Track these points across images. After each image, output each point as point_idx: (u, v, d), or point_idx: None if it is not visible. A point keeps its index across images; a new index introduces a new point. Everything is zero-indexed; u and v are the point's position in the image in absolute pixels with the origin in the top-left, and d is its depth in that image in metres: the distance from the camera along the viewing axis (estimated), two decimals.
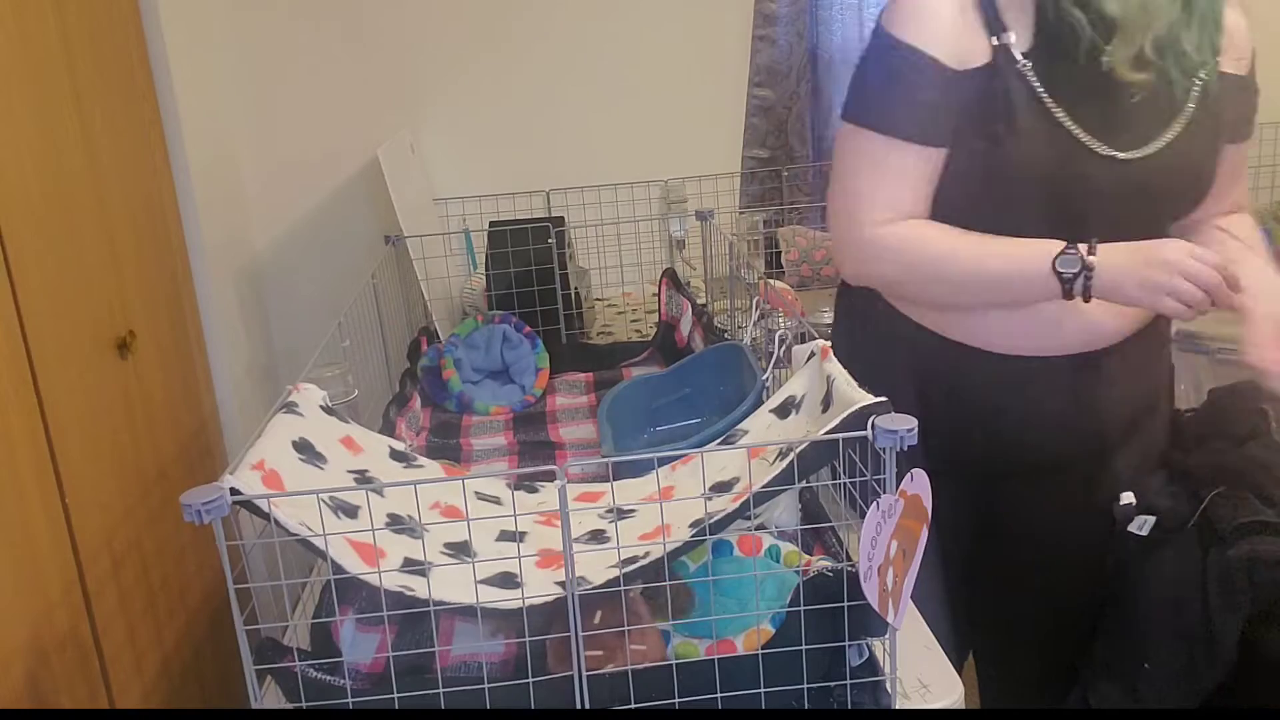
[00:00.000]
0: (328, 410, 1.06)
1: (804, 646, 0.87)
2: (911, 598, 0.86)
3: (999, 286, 1.14)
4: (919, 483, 0.82)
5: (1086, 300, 1.09)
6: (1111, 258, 1.07)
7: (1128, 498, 1.24)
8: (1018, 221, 1.13)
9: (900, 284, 1.22)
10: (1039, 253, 1.10)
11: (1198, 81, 1.14)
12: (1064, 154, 1.11)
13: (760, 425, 1.11)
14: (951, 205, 1.15)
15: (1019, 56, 1.11)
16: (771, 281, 1.84)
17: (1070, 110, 1.11)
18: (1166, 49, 1.09)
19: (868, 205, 1.16)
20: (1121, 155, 1.12)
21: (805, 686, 0.88)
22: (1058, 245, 1.09)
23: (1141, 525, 1.21)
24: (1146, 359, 1.26)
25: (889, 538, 0.82)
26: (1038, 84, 1.10)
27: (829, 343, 1.03)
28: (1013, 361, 1.20)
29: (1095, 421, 1.23)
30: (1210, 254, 1.05)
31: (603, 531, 1.07)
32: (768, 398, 1.17)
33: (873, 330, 1.30)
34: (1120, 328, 1.19)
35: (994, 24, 1.11)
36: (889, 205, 1.15)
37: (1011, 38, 1.11)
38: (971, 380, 1.22)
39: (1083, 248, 1.08)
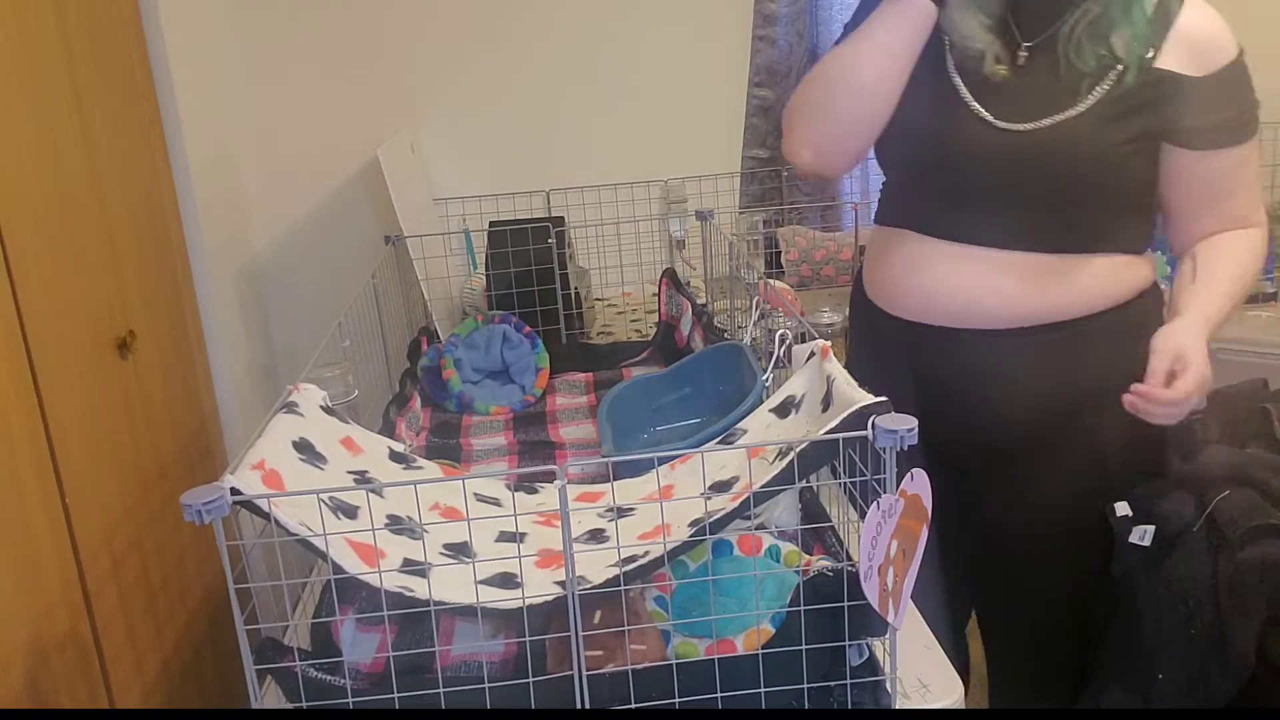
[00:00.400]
0: (328, 410, 1.06)
1: (804, 646, 0.87)
2: (911, 597, 0.86)
3: (869, 41, 1.19)
4: (919, 483, 0.82)
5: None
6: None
7: (1123, 509, 1.23)
8: (902, 160, 1.27)
9: (812, 104, 1.25)
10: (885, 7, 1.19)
11: (1112, 72, 1.15)
12: (944, 110, 1.20)
13: (760, 425, 1.11)
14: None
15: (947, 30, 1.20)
16: (771, 281, 1.84)
17: (963, 73, 1.20)
18: (1068, 35, 1.15)
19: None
20: (999, 124, 1.18)
21: (805, 686, 0.88)
22: None
23: (1143, 536, 1.21)
24: (1080, 348, 1.23)
25: (889, 538, 0.82)
26: (948, 53, 1.21)
27: (829, 343, 1.03)
28: (934, 332, 1.25)
29: (1021, 403, 1.24)
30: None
31: (602, 531, 1.07)
32: (768, 398, 1.17)
33: (862, 327, 1.39)
34: (1031, 306, 1.21)
35: None
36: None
37: (957, 27, 1.19)
38: (916, 355, 1.29)
39: None
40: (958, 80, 1.21)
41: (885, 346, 1.33)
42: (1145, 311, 1.25)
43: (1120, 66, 1.15)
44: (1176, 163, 1.19)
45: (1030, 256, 1.20)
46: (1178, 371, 1.11)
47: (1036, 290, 1.20)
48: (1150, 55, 1.14)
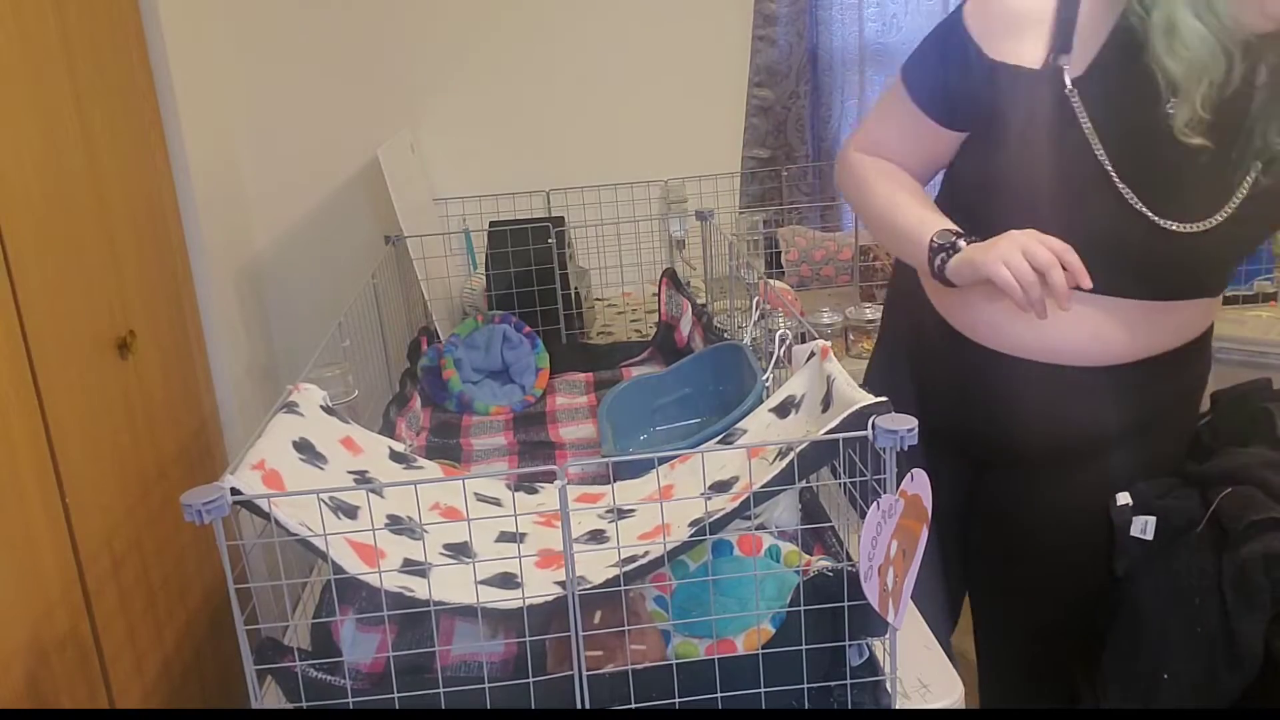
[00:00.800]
0: (328, 410, 1.06)
1: (804, 646, 0.87)
2: (911, 597, 0.86)
3: (894, 237, 1.20)
4: (919, 483, 0.82)
5: (941, 279, 1.13)
6: (975, 251, 1.09)
7: (1124, 498, 1.22)
8: (1023, 219, 1.10)
9: (850, 201, 1.32)
10: (928, 226, 1.14)
11: (1258, 165, 1.07)
12: (1095, 198, 1.08)
13: (760, 425, 1.11)
14: (965, 190, 1.21)
15: (1068, 81, 1.08)
16: (771, 281, 1.84)
17: (1110, 153, 1.07)
18: (1232, 125, 1.04)
19: (865, 136, 1.28)
20: (1163, 223, 1.08)
21: (805, 686, 0.88)
22: (947, 225, 1.14)
23: (1144, 528, 1.20)
24: (1156, 379, 1.21)
25: (889, 538, 0.82)
26: (1083, 114, 1.07)
27: (829, 343, 1.03)
28: (1022, 365, 1.19)
29: (1086, 428, 1.22)
30: (1063, 245, 1.03)
31: (602, 531, 1.07)
32: (767, 398, 1.17)
33: (911, 332, 1.34)
34: (1127, 349, 1.17)
35: (1062, 39, 1.08)
36: (878, 144, 1.25)
37: (1068, 60, 1.08)
38: (981, 378, 1.23)
39: (964, 238, 1.11)
40: (1107, 164, 1.07)
41: (938, 359, 1.29)
42: (1209, 336, 1.25)
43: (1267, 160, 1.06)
44: (1263, 238, 1.16)
45: (1137, 304, 1.14)
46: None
47: (1139, 334, 1.16)
48: None
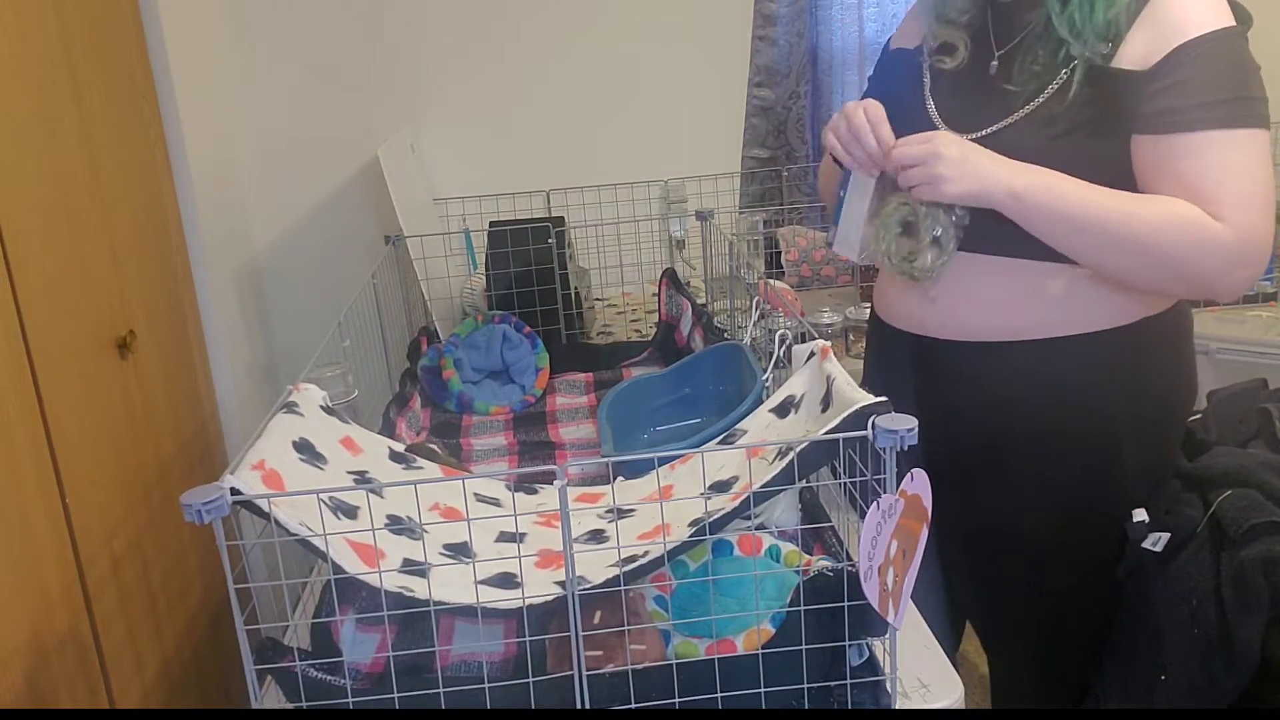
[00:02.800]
0: (328, 410, 1.06)
1: (804, 646, 0.87)
2: (911, 597, 0.86)
3: (830, 176, 1.40)
4: (919, 483, 0.82)
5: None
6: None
7: (1140, 515, 1.23)
8: None
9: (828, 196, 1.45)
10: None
11: (1067, 70, 1.14)
12: (911, 128, 1.21)
13: (760, 425, 1.11)
14: None
15: (928, 51, 1.31)
16: (771, 281, 1.84)
17: (936, 92, 1.28)
18: (1015, 53, 1.20)
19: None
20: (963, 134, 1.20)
21: (805, 686, 0.88)
22: None
23: (1156, 542, 1.21)
24: (1066, 360, 1.20)
25: (889, 538, 0.82)
26: (926, 73, 1.30)
27: (829, 343, 1.03)
28: (927, 343, 1.28)
29: (1016, 415, 1.24)
30: (877, 108, 1.19)
31: (602, 531, 1.07)
32: (767, 398, 1.17)
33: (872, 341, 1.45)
34: (1005, 320, 1.21)
35: (931, 25, 1.30)
36: None
37: (932, 41, 1.30)
38: (908, 365, 1.32)
39: None
40: (930, 101, 1.28)
41: (890, 360, 1.36)
42: (1153, 332, 1.21)
43: (1065, 71, 1.14)
44: (1137, 154, 1.12)
45: (1015, 263, 1.18)
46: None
47: (1011, 305, 1.19)
48: (1106, 53, 1.11)
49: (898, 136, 1.19)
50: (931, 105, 1.27)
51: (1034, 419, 1.23)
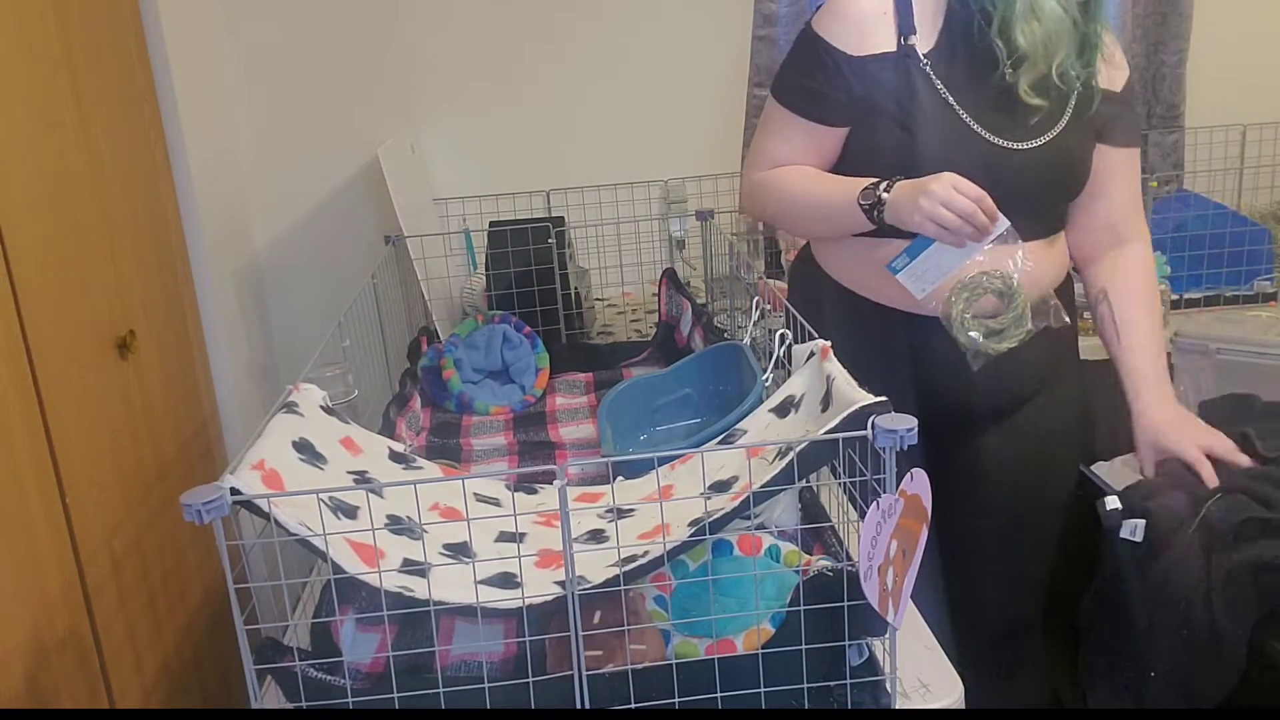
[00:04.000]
0: (328, 410, 1.06)
1: (804, 646, 0.87)
2: (911, 597, 0.86)
3: (825, 215, 1.34)
4: (919, 482, 0.82)
5: (879, 227, 1.27)
6: (899, 190, 1.24)
7: (1113, 502, 1.24)
8: (895, 172, 1.27)
9: (771, 217, 1.46)
10: (852, 187, 1.28)
11: (1077, 92, 1.31)
12: (958, 140, 1.28)
13: (759, 425, 1.11)
14: (856, 167, 1.33)
15: (921, 55, 1.29)
16: (771, 281, 1.84)
17: (963, 104, 1.28)
18: (1060, 73, 1.27)
19: (759, 158, 1.41)
20: (1012, 145, 1.29)
21: (805, 686, 0.88)
22: (868, 181, 1.27)
23: (1134, 530, 1.21)
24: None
25: (889, 537, 0.82)
26: (937, 81, 1.29)
27: (829, 343, 1.03)
28: (904, 317, 1.33)
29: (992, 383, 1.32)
30: (973, 186, 1.19)
31: (602, 531, 1.07)
32: (767, 398, 1.17)
33: (811, 296, 1.44)
34: None
35: (905, 24, 1.30)
36: (773, 160, 1.39)
37: (915, 39, 1.29)
38: (884, 337, 1.35)
39: (883, 184, 1.25)
40: (956, 107, 1.29)
41: (859, 331, 1.35)
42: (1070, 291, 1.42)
43: (1081, 88, 1.31)
44: (1090, 157, 1.36)
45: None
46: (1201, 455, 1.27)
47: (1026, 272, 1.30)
48: (1097, 73, 1.32)
49: (931, 148, 1.26)
50: (965, 116, 1.29)
51: (1029, 371, 1.36)
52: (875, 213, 1.26)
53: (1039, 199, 1.33)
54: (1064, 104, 1.31)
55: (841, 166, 1.37)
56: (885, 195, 1.25)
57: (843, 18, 1.31)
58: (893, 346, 1.35)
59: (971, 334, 1.26)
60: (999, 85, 1.28)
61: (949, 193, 1.19)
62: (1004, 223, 1.21)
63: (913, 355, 1.34)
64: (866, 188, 1.27)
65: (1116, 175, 1.40)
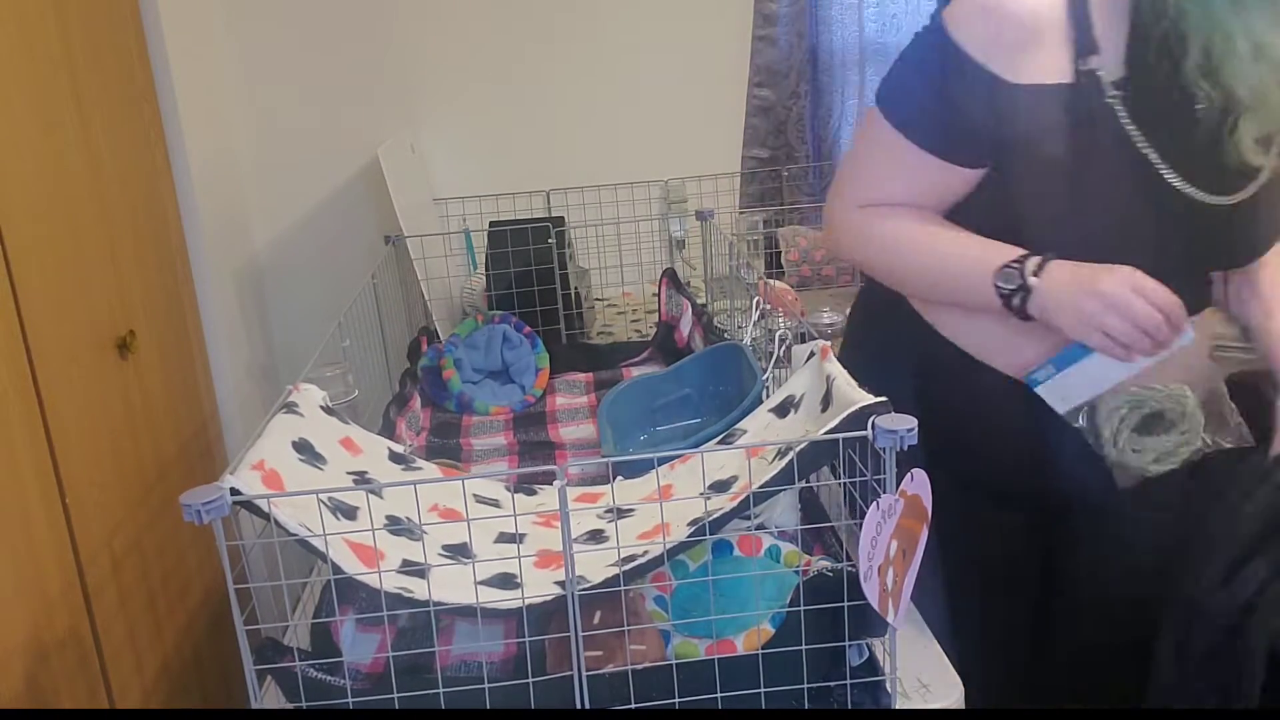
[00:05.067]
0: (328, 410, 1.06)
1: (804, 646, 0.87)
2: (911, 598, 0.86)
3: (947, 287, 1.08)
4: (919, 483, 0.82)
5: (1024, 319, 1.02)
6: (1055, 279, 0.99)
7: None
8: (1083, 253, 1.01)
9: (871, 269, 1.17)
10: (987, 258, 1.03)
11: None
12: (1146, 197, 1.00)
13: (759, 425, 1.11)
14: (1002, 226, 1.06)
15: (1108, 87, 0.99)
16: (771, 281, 1.84)
17: (1162, 152, 0.99)
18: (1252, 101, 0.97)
19: (863, 189, 1.12)
20: (1211, 200, 1.01)
21: (805, 686, 0.88)
22: (1011, 253, 1.02)
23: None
24: None
25: (889, 538, 0.82)
26: (1128, 122, 0.99)
27: (829, 342, 1.03)
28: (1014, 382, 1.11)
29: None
30: (1160, 289, 0.96)
31: (602, 531, 1.07)
32: (767, 398, 1.17)
33: (891, 333, 1.21)
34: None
35: (1084, 42, 0.98)
36: (881, 195, 1.10)
37: (1101, 63, 0.98)
38: (999, 410, 1.13)
39: (1031, 263, 1.00)
40: (1150, 154, 1.00)
41: (963, 396, 1.16)
42: None
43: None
44: None
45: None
46: None
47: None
48: None
49: (1106, 203, 0.99)
50: (1163, 169, 0.99)
51: None
52: (1016, 300, 1.01)
53: (1224, 258, 1.08)
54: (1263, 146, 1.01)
55: (967, 210, 1.08)
56: (1034, 281, 0.99)
57: (995, 24, 0.98)
58: (1009, 421, 1.11)
59: (1129, 458, 1.04)
60: (1206, 132, 0.98)
61: (1128, 298, 0.95)
62: (1189, 335, 0.98)
63: (1038, 433, 1.10)
64: (1009, 265, 1.01)
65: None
